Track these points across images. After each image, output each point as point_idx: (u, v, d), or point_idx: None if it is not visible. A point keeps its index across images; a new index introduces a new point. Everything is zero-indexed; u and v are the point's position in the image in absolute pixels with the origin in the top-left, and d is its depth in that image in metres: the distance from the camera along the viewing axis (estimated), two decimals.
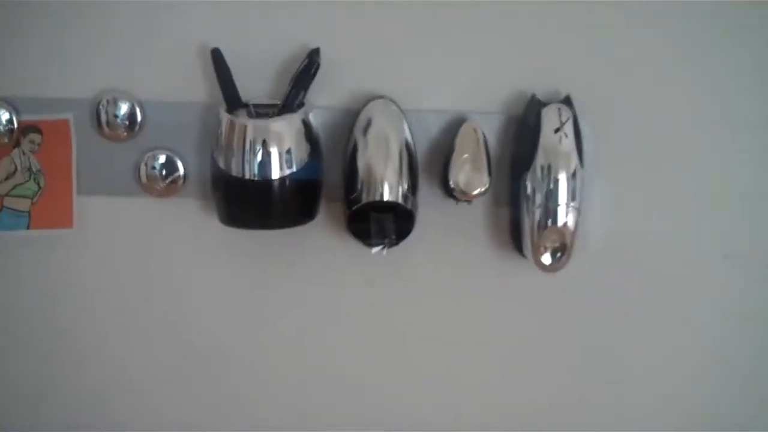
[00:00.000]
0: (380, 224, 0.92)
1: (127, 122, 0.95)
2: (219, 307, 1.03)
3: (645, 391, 1.07)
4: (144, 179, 0.96)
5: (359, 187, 0.90)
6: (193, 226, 0.99)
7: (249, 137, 0.88)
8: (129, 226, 0.99)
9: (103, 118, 0.95)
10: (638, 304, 1.04)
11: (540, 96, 0.95)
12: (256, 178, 0.89)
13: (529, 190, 0.92)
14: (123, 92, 0.95)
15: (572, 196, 0.91)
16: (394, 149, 0.91)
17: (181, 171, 0.97)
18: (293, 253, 1.00)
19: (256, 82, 0.94)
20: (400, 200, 0.90)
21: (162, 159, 0.96)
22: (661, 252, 1.02)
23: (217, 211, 0.93)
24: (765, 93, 0.98)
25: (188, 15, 0.94)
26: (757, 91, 0.98)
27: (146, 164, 0.96)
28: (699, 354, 1.06)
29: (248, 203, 0.91)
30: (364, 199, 0.89)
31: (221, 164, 0.90)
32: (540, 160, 0.92)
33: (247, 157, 0.88)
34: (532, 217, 0.92)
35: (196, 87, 0.95)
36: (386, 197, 0.89)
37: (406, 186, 0.90)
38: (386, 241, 0.92)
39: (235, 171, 0.89)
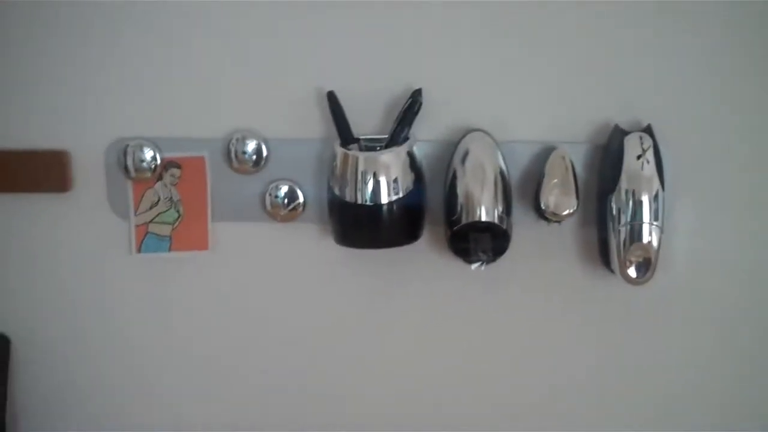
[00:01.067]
0: (479, 243, 0.97)
1: (254, 157, 1.03)
2: (335, 319, 1.09)
3: (727, 400, 1.09)
4: (269, 207, 1.04)
5: (459, 210, 0.96)
6: (312, 247, 1.06)
7: (361, 168, 0.96)
8: (256, 248, 1.07)
9: (233, 154, 1.03)
10: (722, 318, 1.06)
11: (623, 125, 0.99)
12: (367, 203, 0.96)
13: (614, 211, 0.96)
14: (250, 131, 1.03)
15: (655, 216, 0.95)
16: (490, 176, 0.97)
17: (301, 199, 1.04)
18: (400, 270, 1.06)
19: (367, 120, 1.01)
20: (496, 221, 0.95)
21: (284, 189, 1.03)
22: (742, 268, 1.04)
23: (333, 233, 1.01)
24: None
25: (307, 62, 1.01)
26: None
27: (270, 194, 1.03)
28: None
29: (361, 226, 0.98)
30: (464, 220, 0.95)
31: (337, 192, 0.97)
32: (624, 184, 0.96)
33: (359, 185, 0.95)
34: (618, 235, 0.96)
35: (314, 125, 1.02)
36: (484, 218, 0.95)
37: (501, 208, 0.96)
38: (484, 258, 0.97)
39: (349, 197, 0.96)
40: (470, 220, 0.96)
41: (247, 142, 1.03)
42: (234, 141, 1.03)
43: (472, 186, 0.97)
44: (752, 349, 1.07)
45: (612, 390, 1.10)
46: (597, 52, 1.00)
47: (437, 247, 1.05)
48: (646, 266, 0.96)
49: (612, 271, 1.00)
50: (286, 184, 1.04)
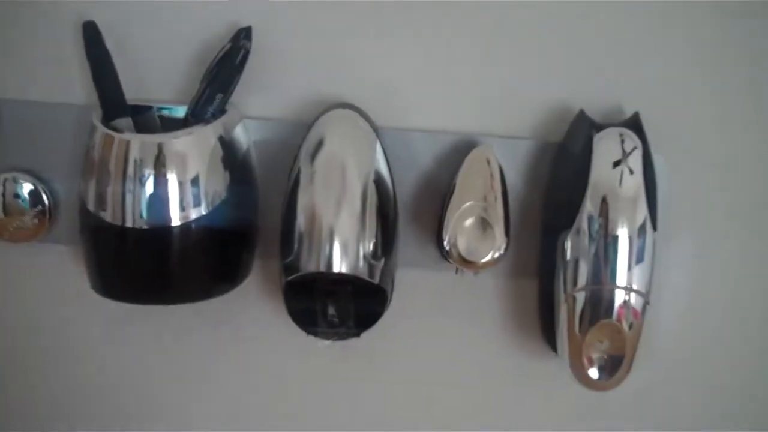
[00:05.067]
0: (332, 304, 0.70)
1: None
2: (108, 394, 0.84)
3: None
4: None
5: (296, 246, 0.64)
6: (67, 282, 0.80)
7: (133, 157, 0.67)
8: None
9: None
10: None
11: (592, 113, 0.74)
12: (144, 227, 0.67)
13: (568, 257, 0.70)
14: None
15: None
16: (355, 186, 0.67)
17: (47, 202, 0.79)
18: (210, 330, 0.81)
19: (156, 78, 0.75)
20: (359, 271, 0.64)
21: (21, 187, 0.79)
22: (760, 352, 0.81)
23: (88, 276, 0.71)
24: None
25: None
26: None
27: None
28: None
29: (132, 266, 0.70)
30: (303, 266, 0.64)
31: (90, 205, 0.68)
32: (588, 208, 0.69)
33: (129, 189, 0.66)
34: (571, 301, 0.69)
35: (71, 82, 0.76)
36: (336, 267, 0.63)
37: (370, 246, 0.66)
38: (342, 330, 0.70)
39: (110, 216, 0.67)
40: (313, 269, 0.64)
41: None
42: None
43: (322, 202, 0.65)
44: None
45: None
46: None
47: (272, 293, 0.78)
48: (615, 362, 0.69)
49: (556, 353, 0.74)
50: (22, 180, 0.79)
